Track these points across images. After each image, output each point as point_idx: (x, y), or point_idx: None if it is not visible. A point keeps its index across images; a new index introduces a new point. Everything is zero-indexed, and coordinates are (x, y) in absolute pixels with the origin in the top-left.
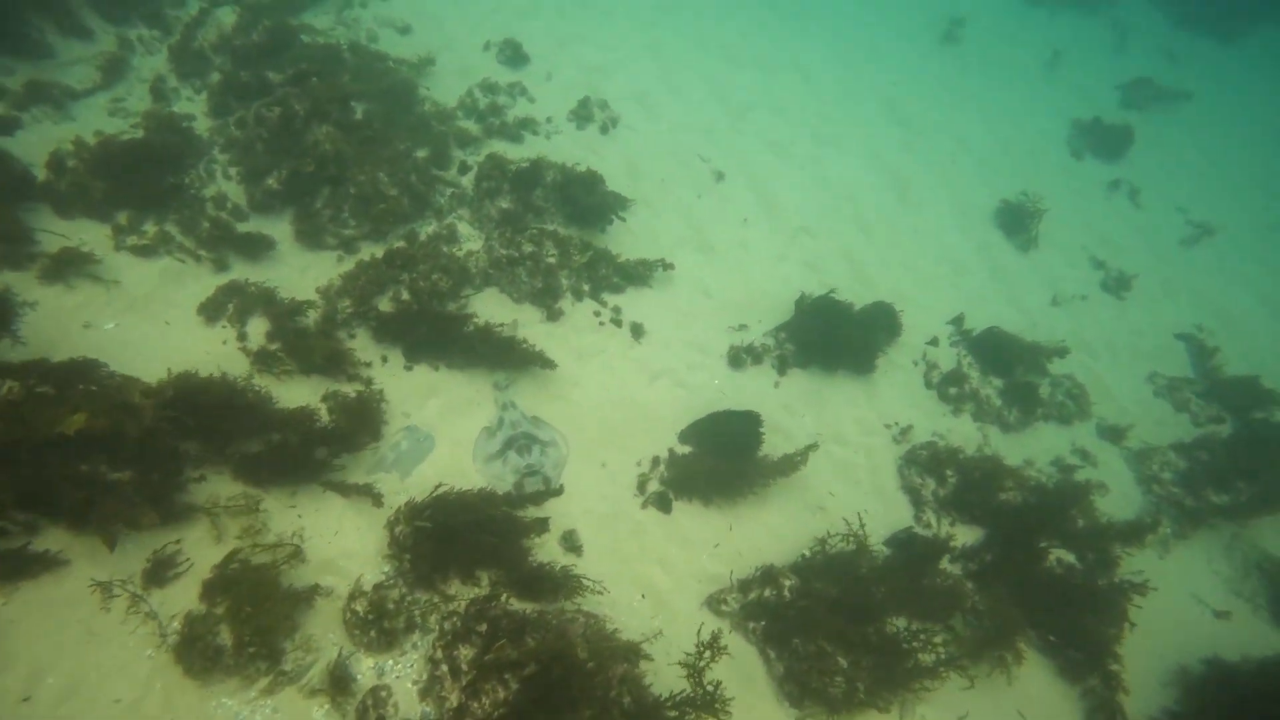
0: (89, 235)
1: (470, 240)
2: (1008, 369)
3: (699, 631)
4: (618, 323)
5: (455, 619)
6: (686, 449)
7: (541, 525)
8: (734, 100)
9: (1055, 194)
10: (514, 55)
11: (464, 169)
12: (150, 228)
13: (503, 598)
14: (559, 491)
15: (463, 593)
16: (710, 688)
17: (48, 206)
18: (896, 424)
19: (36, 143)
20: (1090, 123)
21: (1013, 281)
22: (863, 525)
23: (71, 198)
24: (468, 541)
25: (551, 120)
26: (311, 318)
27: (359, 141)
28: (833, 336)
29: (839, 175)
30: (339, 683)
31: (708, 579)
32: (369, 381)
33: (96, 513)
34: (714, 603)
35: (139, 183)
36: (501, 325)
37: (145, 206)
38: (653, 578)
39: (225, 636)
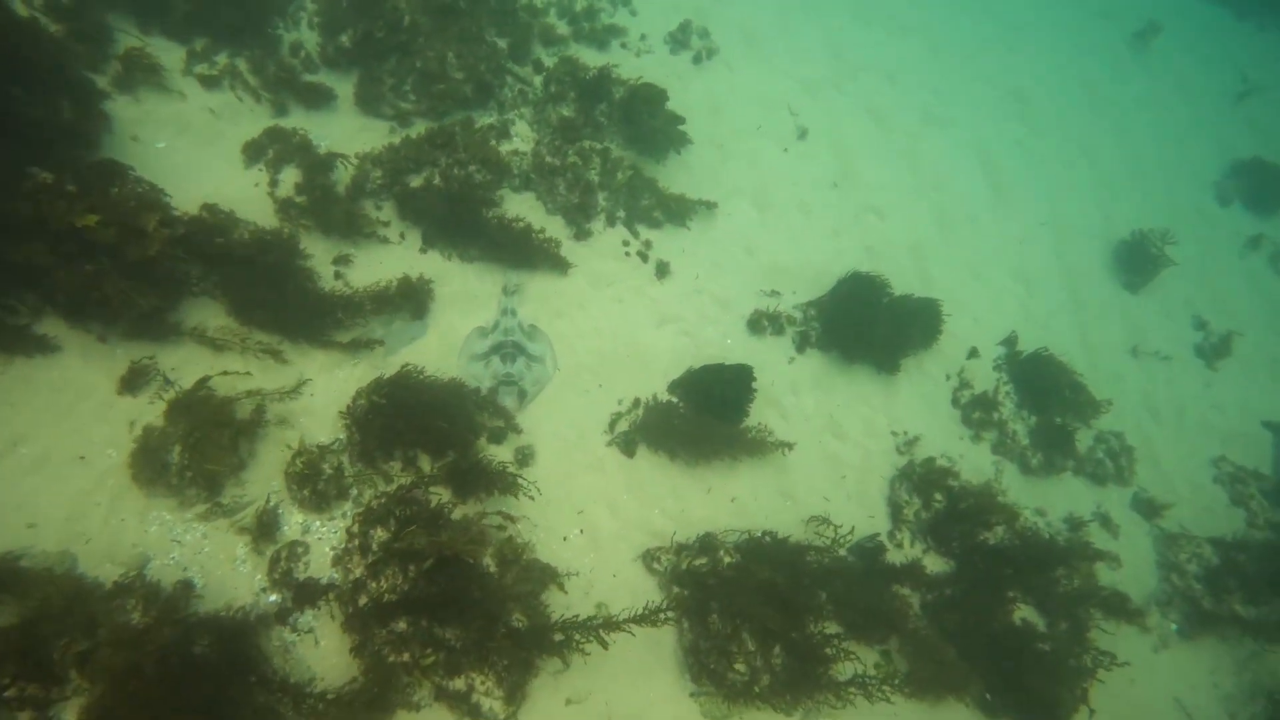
0: (163, 55)
1: (523, 141)
2: (1044, 403)
3: (617, 580)
4: (644, 256)
5: (383, 498)
6: (671, 399)
7: (499, 433)
8: (848, 57)
9: (1179, 235)
10: None
11: (539, 68)
12: (222, 60)
13: (428, 488)
14: (517, 428)
15: (401, 476)
16: (603, 618)
17: (131, 17)
18: (905, 433)
19: None
20: (1250, 163)
21: (1093, 317)
22: (836, 529)
23: (154, 10)
24: (418, 423)
25: (646, 38)
26: (343, 177)
27: (436, 13)
28: (861, 322)
29: (933, 159)
30: (265, 528)
31: (651, 533)
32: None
33: (98, 291)
34: (648, 558)
35: (223, 11)
36: (520, 219)
37: (223, 37)
38: (597, 518)
39: (175, 456)
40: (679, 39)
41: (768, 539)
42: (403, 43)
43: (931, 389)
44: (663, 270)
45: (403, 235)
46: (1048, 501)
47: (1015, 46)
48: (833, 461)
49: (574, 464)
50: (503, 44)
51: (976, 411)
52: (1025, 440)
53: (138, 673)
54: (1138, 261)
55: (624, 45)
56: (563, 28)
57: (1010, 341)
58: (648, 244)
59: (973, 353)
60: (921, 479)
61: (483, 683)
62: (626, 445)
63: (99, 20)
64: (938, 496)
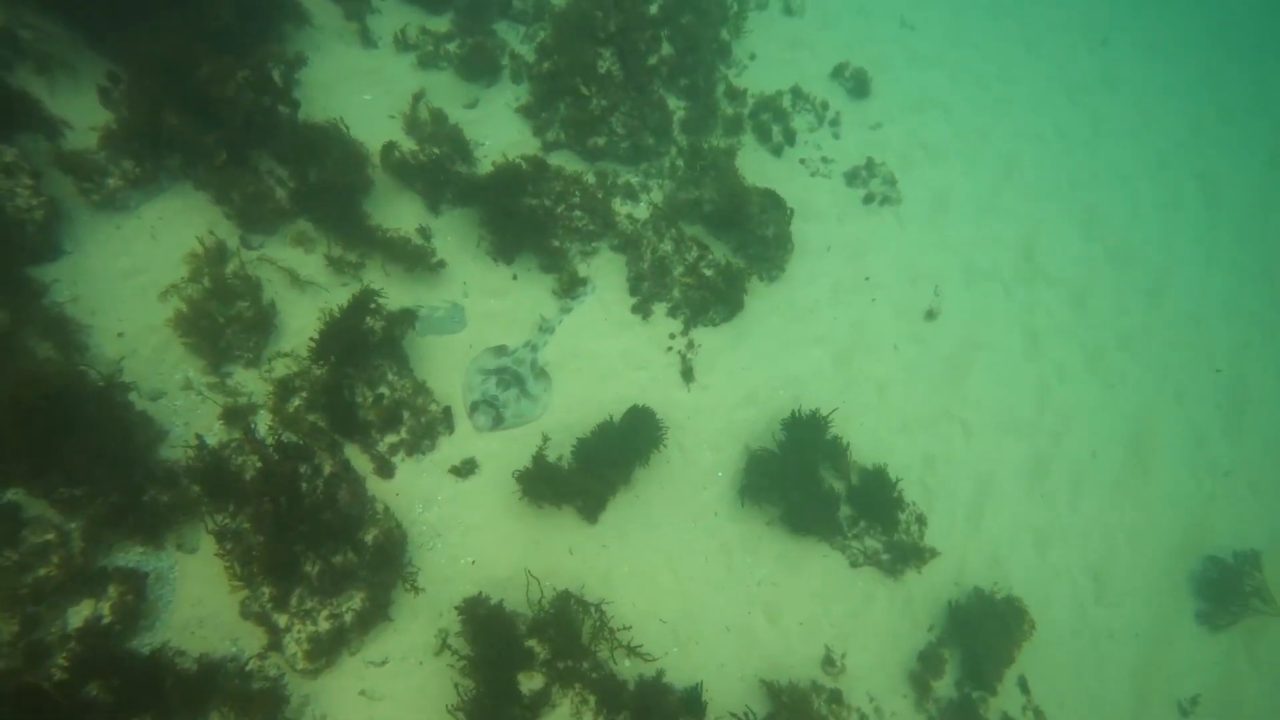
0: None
1: (647, 209)
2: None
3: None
4: (682, 358)
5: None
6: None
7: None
8: (1039, 259)
9: None
10: (856, 86)
11: (697, 152)
12: (451, 44)
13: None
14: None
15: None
16: None
17: None
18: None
19: None
20: None
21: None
22: None
23: None
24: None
25: (829, 162)
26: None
27: (632, 71)
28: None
29: (1069, 410)
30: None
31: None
32: (426, 236)
33: None
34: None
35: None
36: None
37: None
38: (486, 560)
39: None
40: (860, 176)
41: None
42: (583, 92)
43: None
44: (688, 374)
45: (480, 238)
46: None
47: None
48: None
49: (497, 493)
50: (679, 114)
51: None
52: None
53: None
54: (1222, 592)
55: (803, 161)
56: (749, 122)
57: None
58: (691, 346)
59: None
60: None
61: None
62: (535, 496)
63: None
64: None
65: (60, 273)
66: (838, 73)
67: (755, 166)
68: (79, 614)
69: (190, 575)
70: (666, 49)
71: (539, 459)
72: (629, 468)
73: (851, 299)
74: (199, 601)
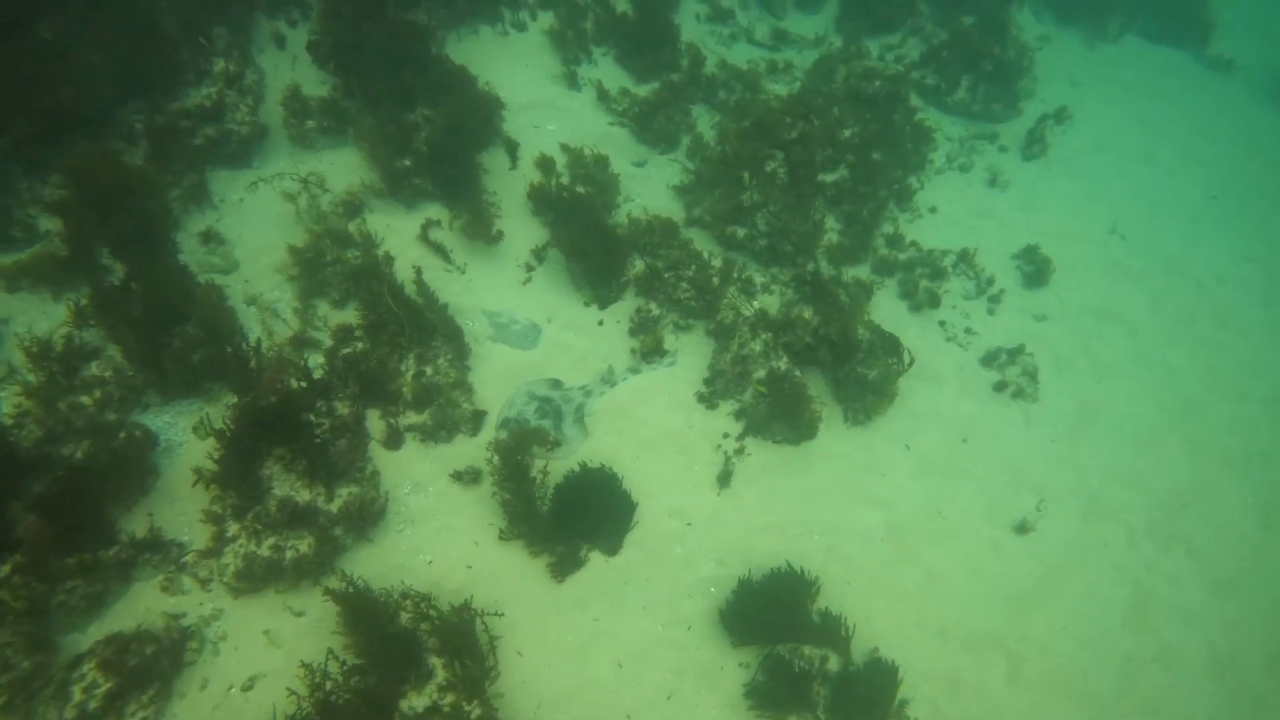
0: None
1: (759, 304)
2: None
3: None
4: (727, 460)
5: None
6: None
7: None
8: (1189, 529)
9: None
10: (1035, 273)
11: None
12: (641, 107)
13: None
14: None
15: None
16: None
17: None
18: None
19: None
20: None
21: None
22: None
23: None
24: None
25: (971, 333)
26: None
27: (795, 176)
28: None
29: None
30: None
31: None
32: (530, 269)
33: None
34: None
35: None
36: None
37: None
38: (447, 557)
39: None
40: (1000, 359)
41: None
42: (742, 180)
43: None
44: (725, 480)
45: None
46: None
47: None
48: None
49: (484, 511)
50: (831, 237)
51: None
52: None
53: None
54: None
55: (943, 324)
56: (901, 270)
57: None
58: (740, 452)
59: None
60: None
61: None
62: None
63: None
64: None
65: (242, 179)
66: (1019, 255)
67: (888, 312)
68: (80, 451)
69: (192, 459)
70: (843, 173)
71: (527, 496)
72: (619, 537)
73: (936, 476)
74: (184, 483)
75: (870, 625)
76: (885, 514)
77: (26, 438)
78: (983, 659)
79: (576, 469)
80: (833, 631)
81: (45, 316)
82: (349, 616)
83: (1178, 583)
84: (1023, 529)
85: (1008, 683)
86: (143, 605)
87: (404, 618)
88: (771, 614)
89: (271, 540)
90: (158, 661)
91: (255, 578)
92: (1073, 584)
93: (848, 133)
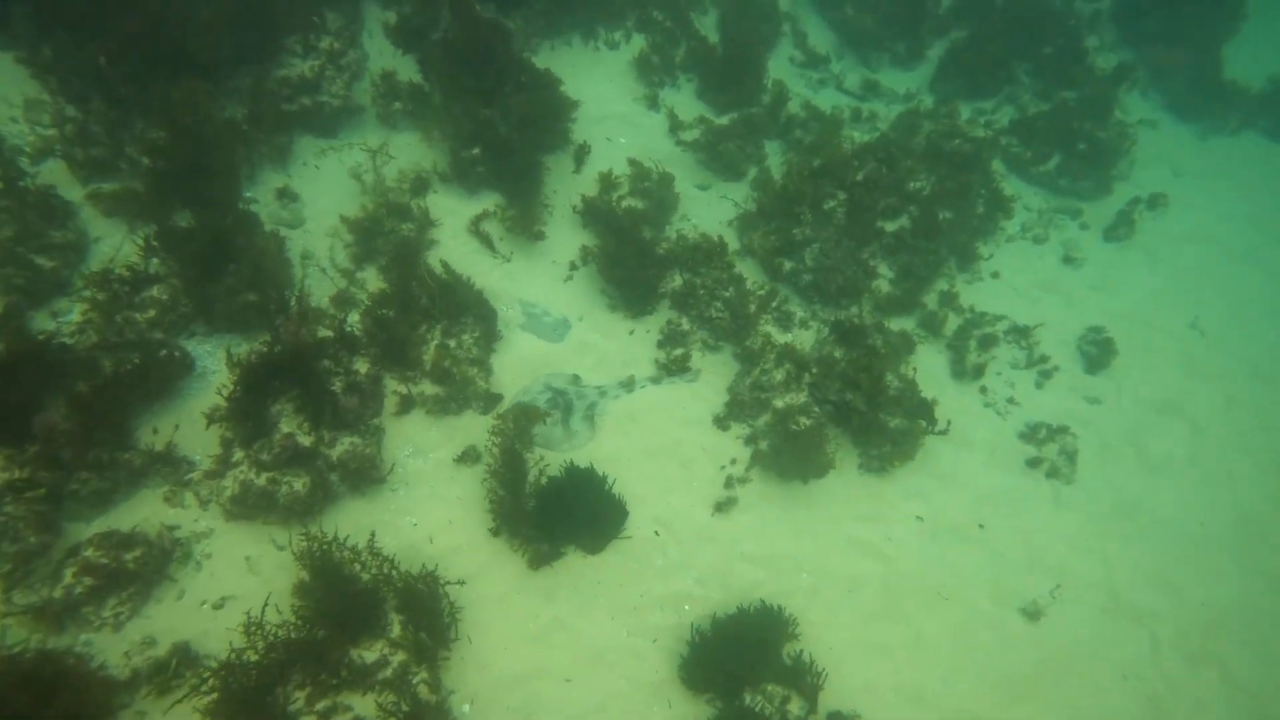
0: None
1: (792, 339)
2: None
3: None
4: (729, 487)
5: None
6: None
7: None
8: (1221, 649)
9: None
10: (1096, 355)
11: (878, 328)
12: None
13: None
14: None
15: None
16: None
17: None
18: None
19: None
20: None
21: None
22: None
23: None
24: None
25: (1013, 403)
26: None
27: (853, 218)
28: None
29: None
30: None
31: None
32: (574, 267)
33: None
34: None
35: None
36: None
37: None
38: (434, 525)
39: None
40: (1039, 435)
41: None
42: (799, 215)
43: None
44: (724, 505)
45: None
46: None
47: None
48: None
49: (477, 489)
50: (883, 286)
51: None
52: None
53: None
54: None
55: (984, 390)
56: (949, 332)
57: None
58: (744, 480)
59: None
60: None
61: None
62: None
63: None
64: None
65: (324, 148)
66: (1081, 334)
67: (929, 370)
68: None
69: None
70: (904, 223)
71: (517, 492)
72: (603, 539)
73: (945, 541)
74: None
75: (843, 678)
76: (882, 568)
77: (84, 342)
78: None
79: (560, 471)
80: (801, 677)
81: (131, 241)
82: (313, 571)
83: (1204, 710)
84: (1031, 611)
85: None
86: (144, 511)
87: (365, 577)
88: (739, 650)
89: (270, 474)
90: (145, 564)
91: (248, 504)
92: (1076, 680)
93: (917, 185)
